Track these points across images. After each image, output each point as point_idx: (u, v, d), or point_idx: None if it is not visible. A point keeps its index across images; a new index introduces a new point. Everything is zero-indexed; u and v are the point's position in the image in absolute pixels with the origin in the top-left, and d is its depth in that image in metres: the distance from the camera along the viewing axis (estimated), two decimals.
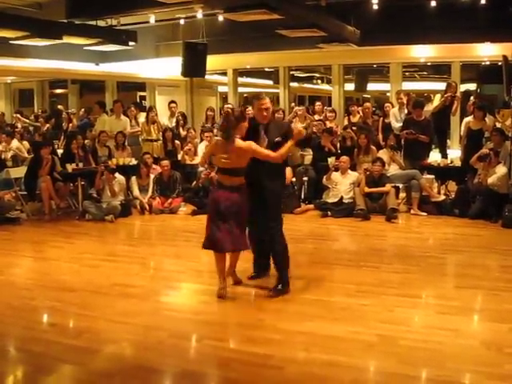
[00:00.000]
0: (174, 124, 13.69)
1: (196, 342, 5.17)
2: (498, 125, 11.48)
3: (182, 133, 13.59)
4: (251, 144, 6.02)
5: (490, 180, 10.03)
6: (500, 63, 11.12)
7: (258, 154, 5.98)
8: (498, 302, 5.91)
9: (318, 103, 14.43)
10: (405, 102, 12.29)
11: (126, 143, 12.71)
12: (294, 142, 6.11)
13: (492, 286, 6.48)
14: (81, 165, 11.42)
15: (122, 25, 13.42)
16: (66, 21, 12.19)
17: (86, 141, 12.55)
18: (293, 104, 18.21)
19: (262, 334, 5.14)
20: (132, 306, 5.97)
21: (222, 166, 6.14)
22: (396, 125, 12.00)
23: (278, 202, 6.29)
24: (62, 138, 14.78)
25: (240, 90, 19.12)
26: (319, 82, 26.15)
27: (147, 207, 11.20)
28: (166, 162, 11.60)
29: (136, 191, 11.48)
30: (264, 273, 6.64)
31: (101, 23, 12.99)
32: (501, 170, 10.17)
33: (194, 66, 14.14)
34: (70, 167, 11.21)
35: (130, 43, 13.51)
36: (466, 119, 11.64)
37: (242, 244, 6.21)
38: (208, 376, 4.46)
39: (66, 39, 12.36)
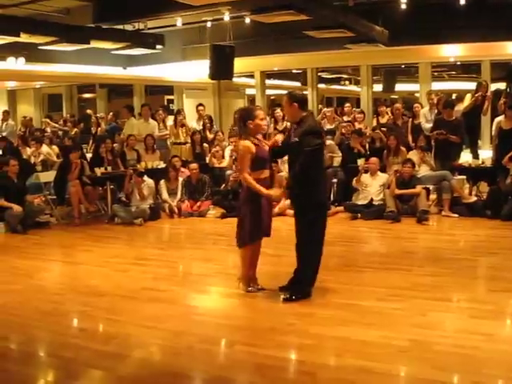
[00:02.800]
0: (201, 127, 13.71)
1: (227, 348, 5.13)
2: None
3: (210, 136, 13.60)
4: (243, 148, 6.10)
5: None
6: None
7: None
8: None
9: (347, 104, 14.36)
10: (435, 102, 12.15)
11: (155, 146, 12.73)
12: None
13: None
14: (109, 169, 11.45)
15: (149, 28, 13.47)
16: (93, 25, 12.26)
17: (114, 144, 12.58)
18: (320, 106, 18.12)
19: (293, 339, 5.10)
20: (161, 310, 5.95)
21: None
22: (426, 125, 11.87)
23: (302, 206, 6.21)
24: (91, 142, 14.87)
25: (268, 92, 19.08)
26: (347, 83, 26.03)
27: (176, 211, 11.20)
28: (194, 166, 11.62)
29: (165, 195, 11.48)
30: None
31: (128, 27, 13.04)
32: None
33: (221, 69, 14.13)
34: (98, 171, 11.24)
35: (158, 47, 13.55)
36: (497, 119, 11.46)
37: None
38: (239, 382, 4.41)
39: (94, 44, 12.46)
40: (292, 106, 6.06)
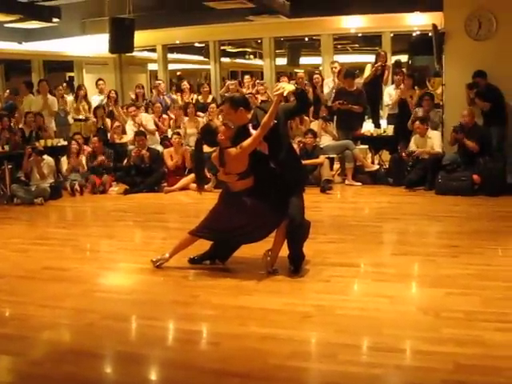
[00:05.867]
0: (103, 102, 13.36)
1: (130, 323, 5.01)
2: None
3: (116, 111, 13.19)
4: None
5: (438, 148, 10.15)
6: (430, 33, 11.19)
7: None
8: (433, 268, 5.94)
9: (246, 77, 14.33)
10: (337, 71, 12.27)
11: (52, 123, 12.44)
12: (276, 103, 5.49)
13: (428, 252, 6.53)
14: (7, 147, 11.00)
15: (44, 0, 12.91)
16: None
17: (12, 123, 12.09)
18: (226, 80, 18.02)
19: (197, 311, 5.04)
20: (63, 289, 5.75)
21: None
22: (330, 95, 12.01)
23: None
24: None
25: (170, 66, 18.78)
26: (252, 57, 25.97)
27: (78, 188, 10.89)
28: (94, 139, 11.62)
29: (66, 172, 11.20)
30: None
31: None
32: (434, 133, 10.32)
33: (121, 42, 13.75)
34: None
35: (54, 20, 13.02)
36: (389, 89, 11.79)
37: None
38: (143, 356, 4.29)
39: None
40: (239, 112, 5.66)
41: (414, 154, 10.28)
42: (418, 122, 10.31)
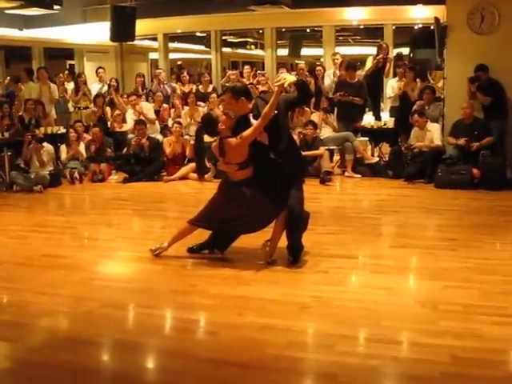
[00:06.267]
0: (104, 90, 13.34)
1: (127, 311, 4.99)
2: None
3: (116, 100, 13.14)
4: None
5: (438, 141, 10.13)
6: (432, 27, 11.17)
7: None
8: (432, 261, 5.94)
9: (246, 67, 14.28)
10: (339, 63, 12.26)
11: (53, 111, 12.42)
12: (277, 94, 5.48)
13: (426, 244, 6.53)
14: (6, 134, 10.98)
15: None
16: None
17: (12, 110, 12.06)
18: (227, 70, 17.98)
19: (195, 300, 5.05)
20: (62, 277, 5.74)
21: None
22: (331, 86, 11.99)
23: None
24: None
25: (171, 56, 18.76)
26: (253, 47, 25.91)
27: (77, 176, 10.88)
28: (96, 130, 11.50)
29: (66, 160, 11.19)
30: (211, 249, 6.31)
31: None
32: (433, 126, 10.29)
33: (122, 31, 13.75)
34: None
35: (55, 7, 12.99)
36: (392, 82, 11.76)
37: None
38: (141, 345, 4.29)
39: None
40: (240, 101, 5.65)
41: (412, 147, 10.28)
42: (416, 115, 10.29)
